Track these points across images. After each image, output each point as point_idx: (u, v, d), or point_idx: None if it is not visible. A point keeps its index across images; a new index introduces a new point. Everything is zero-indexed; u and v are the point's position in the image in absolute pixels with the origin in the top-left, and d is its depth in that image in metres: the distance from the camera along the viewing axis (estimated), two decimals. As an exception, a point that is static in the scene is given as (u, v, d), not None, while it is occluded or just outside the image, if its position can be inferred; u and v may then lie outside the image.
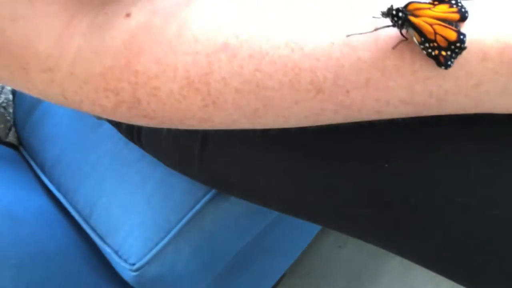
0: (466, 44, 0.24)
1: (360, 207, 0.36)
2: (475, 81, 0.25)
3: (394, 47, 0.25)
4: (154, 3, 0.27)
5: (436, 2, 0.26)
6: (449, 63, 0.25)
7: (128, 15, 0.27)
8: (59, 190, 0.65)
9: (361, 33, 0.26)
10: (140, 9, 0.27)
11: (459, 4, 0.25)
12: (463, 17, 0.25)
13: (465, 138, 0.31)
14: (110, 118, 0.30)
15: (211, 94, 0.27)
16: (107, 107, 0.29)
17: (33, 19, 0.26)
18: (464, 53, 0.24)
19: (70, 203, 0.63)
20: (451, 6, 0.25)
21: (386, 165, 0.35)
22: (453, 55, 0.25)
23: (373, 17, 0.26)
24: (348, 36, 0.26)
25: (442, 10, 0.25)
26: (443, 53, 0.24)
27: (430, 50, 0.25)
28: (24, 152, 0.73)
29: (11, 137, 0.73)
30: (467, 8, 0.25)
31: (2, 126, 0.72)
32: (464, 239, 0.32)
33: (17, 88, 0.31)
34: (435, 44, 0.25)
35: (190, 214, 0.57)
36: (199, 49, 0.26)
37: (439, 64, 0.25)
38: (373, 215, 0.36)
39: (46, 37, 0.27)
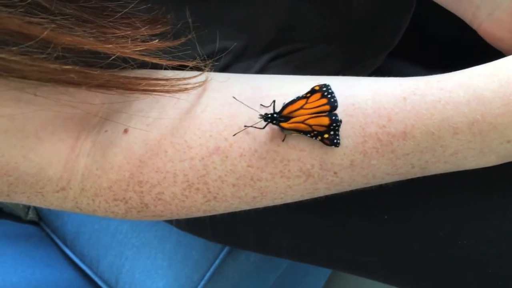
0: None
1: (366, 256, 0.38)
2: (451, 151, 0.27)
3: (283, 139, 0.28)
4: (148, 117, 0.30)
5: (308, 94, 0.28)
6: (335, 141, 0.27)
7: (126, 131, 0.30)
8: (83, 262, 0.67)
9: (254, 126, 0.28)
10: (136, 123, 0.30)
11: (330, 94, 0.27)
12: (333, 107, 0.27)
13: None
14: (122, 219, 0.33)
15: (211, 191, 0.29)
16: (118, 213, 0.31)
17: (41, 150, 0.29)
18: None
19: (96, 274, 0.65)
20: (323, 95, 0.27)
21: (386, 217, 0.37)
22: (336, 133, 0.27)
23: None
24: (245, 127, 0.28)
25: (314, 104, 0.27)
26: (326, 135, 0.27)
27: (313, 137, 0.27)
28: (45, 227, 0.76)
29: (31, 215, 0.76)
30: (337, 98, 0.27)
31: (21, 205, 0.75)
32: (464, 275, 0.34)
33: (35, 205, 0.33)
34: (315, 132, 0.27)
35: (212, 269, 0.59)
36: (193, 155, 0.29)
37: (327, 145, 0.27)
38: (380, 262, 0.38)
39: (55, 163, 0.29)
